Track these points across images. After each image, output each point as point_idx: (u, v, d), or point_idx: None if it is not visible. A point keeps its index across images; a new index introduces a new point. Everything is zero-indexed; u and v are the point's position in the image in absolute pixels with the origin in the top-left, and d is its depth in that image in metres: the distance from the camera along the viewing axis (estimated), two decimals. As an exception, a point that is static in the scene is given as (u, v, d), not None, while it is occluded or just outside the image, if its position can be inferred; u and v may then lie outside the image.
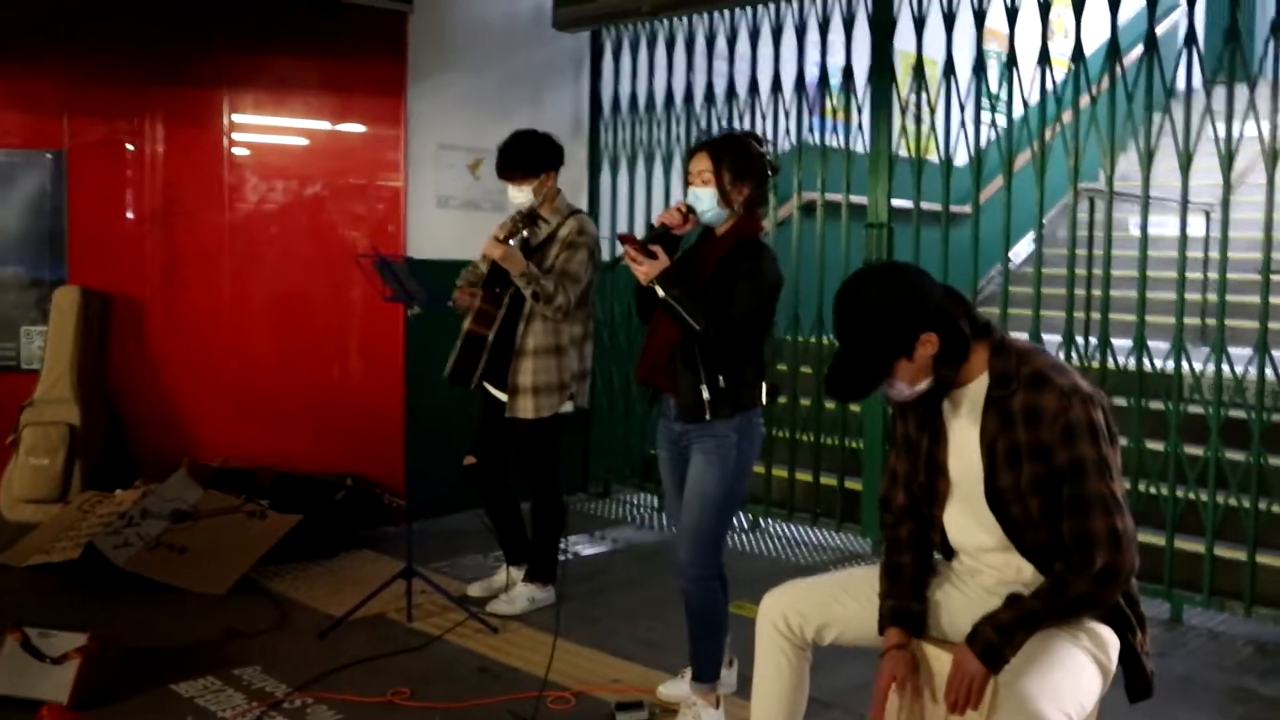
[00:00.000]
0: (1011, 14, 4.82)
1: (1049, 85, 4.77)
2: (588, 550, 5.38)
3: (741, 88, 5.80)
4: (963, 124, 5.00)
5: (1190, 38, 4.41)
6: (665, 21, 6.06)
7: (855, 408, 5.43)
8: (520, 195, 4.20)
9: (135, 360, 5.79)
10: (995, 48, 5.85)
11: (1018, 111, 4.86)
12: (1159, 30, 4.62)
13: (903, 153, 5.19)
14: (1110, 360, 4.61)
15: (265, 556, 4.70)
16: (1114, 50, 4.59)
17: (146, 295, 5.79)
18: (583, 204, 6.20)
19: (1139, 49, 4.58)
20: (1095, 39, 4.86)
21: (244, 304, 5.78)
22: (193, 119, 5.73)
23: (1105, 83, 4.61)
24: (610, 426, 6.34)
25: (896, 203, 5.19)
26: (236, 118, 5.73)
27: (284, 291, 5.79)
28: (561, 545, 4.49)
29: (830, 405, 5.52)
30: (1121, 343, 4.64)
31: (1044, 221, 4.94)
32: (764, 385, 3.30)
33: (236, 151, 5.74)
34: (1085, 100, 4.66)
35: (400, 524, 5.00)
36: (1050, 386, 2.27)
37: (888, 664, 2.39)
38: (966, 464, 2.40)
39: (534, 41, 6.13)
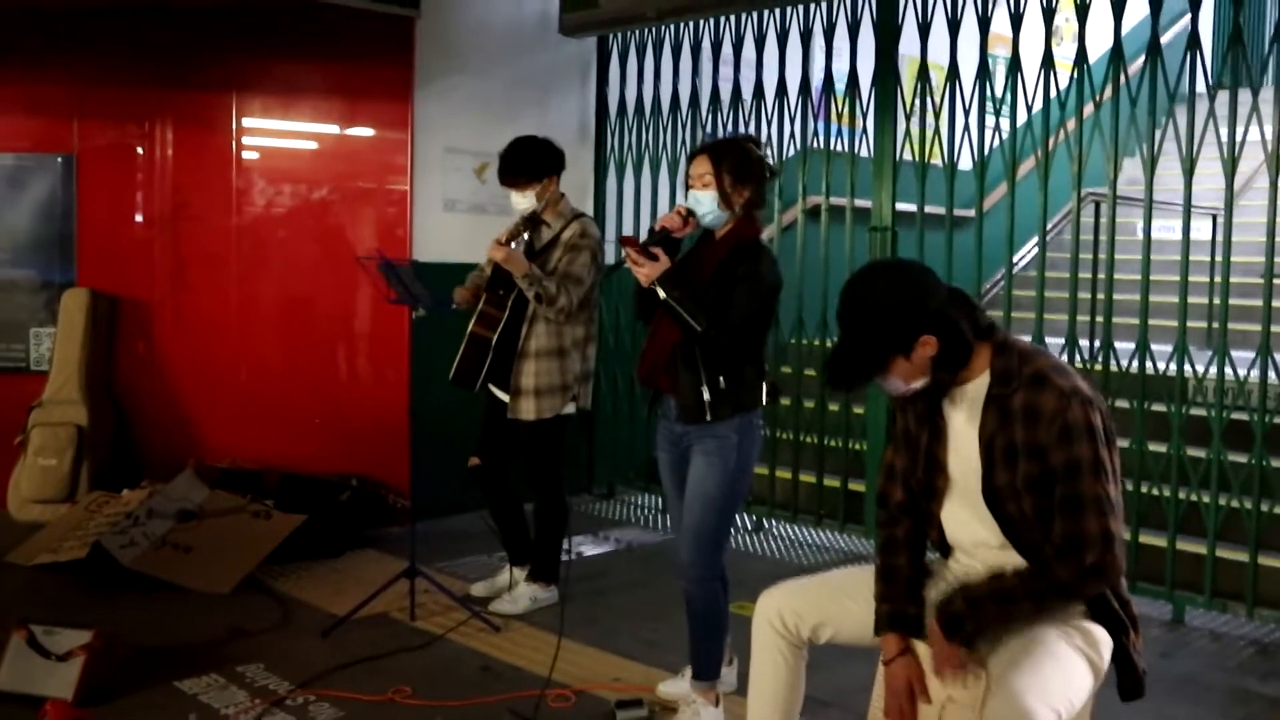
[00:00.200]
0: (1016, 19, 4.83)
1: (1053, 90, 4.77)
2: (591, 551, 5.40)
3: (747, 92, 5.82)
4: (967, 128, 5.01)
5: (1194, 42, 4.42)
6: (671, 26, 6.08)
7: (859, 409, 5.44)
8: (523, 201, 4.22)
9: (143, 362, 5.83)
10: (1000, 52, 5.86)
11: (1022, 116, 4.87)
12: (1164, 37, 4.62)
13: (907, 157, 5.20)
14: (1113, 363, 4.61)
15: (270, 556, 4.73)
16: (1118, 55, 4.61)
17: (155, 298, 5.83)
18: (588, 208, 6.23)
19: (1143, 54, 4.59)
20: (1100, 44, 4.87)
21: (251, 307, 5.81)
22: (201, 123, 5.78)
23: (1109, 87, 4.63)
24: (614, 428, 6.36)
25: (901, 206, 5.20)
26: (245, 122, 5.77)
27: (291, 294, 5.83)
28: (564, 546, 4.50)
29: (834, 407, 5.54)
30: (1124, 346, 4.64)
31: (1048, 226, 4.94)
32: (765, 386, 3.32)
33: (245, 155, 5.78)
34: (1089, 106, 4.68)
35: (404, 524, 5.02)
36: (1050, 387, 2.28)
37: (901, 670, 2.39)
38: (965, 461, 2.41)
39: (540, 46, 6.16)
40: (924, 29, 5.06)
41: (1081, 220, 4.88)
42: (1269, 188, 4.20)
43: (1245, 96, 4.29)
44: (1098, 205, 5.74)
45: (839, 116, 5.51)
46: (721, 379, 3.20)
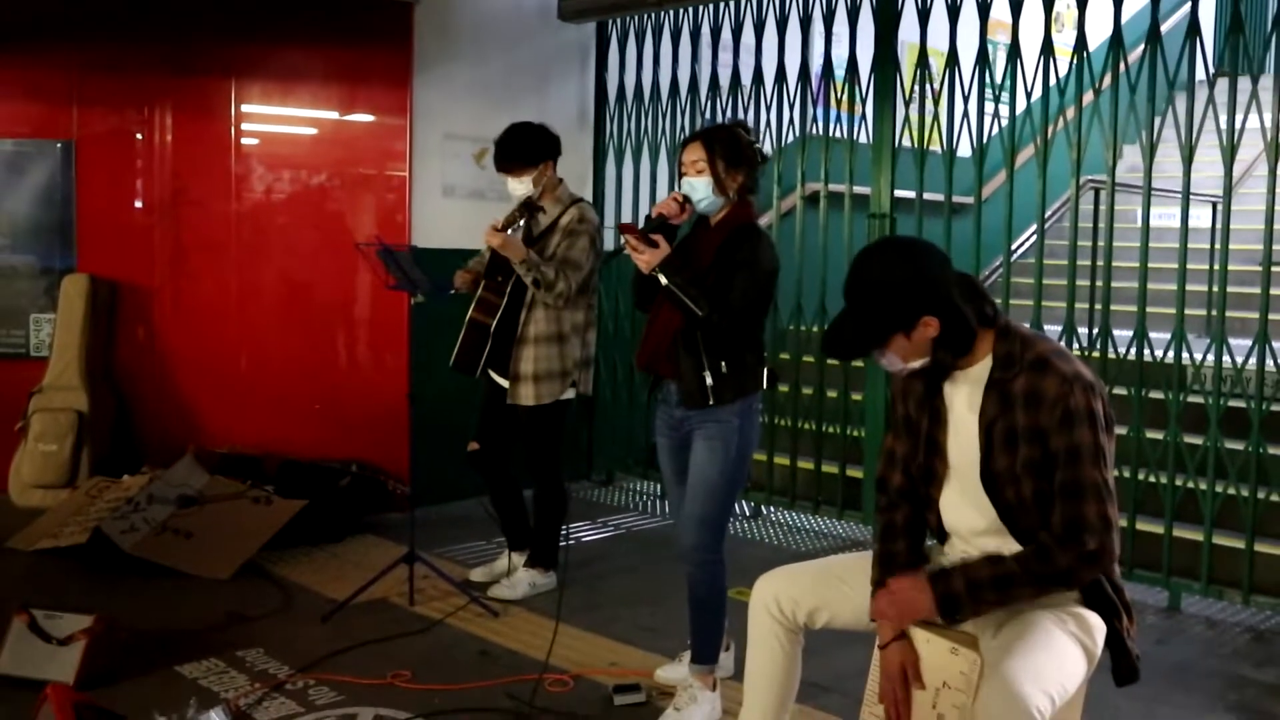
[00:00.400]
0: (1016, 5, 4.82)
1: (1053, 77, 4.77)
2: (589, 536, 5.42)
3: (746, 78, 5.81)
4: (966, 115, 5.01)
5: (1194, 29, 4.41)
6: (670, 12, 6.07)
7: (857, 396, 5.45)
8: (520, 187, 4.22)
9: (143, 348, 5.84)
10: (1000, 39, 5.86)
11: (1021, 103, 4.87)
12: (1164, 24, 4.62)
13: (906, 143, 5.20)
14: (1111, 350, 4.62)
15: (270, 541, 4.75)
16: (1118, 42, 4.60)
17: (154, 284, 5.84)
18: (587, 194, 6.23)
19: (1143, 41, 4.58)
20: (1100, 31, 4.86)
21: (251, 292, 5.82)
22: (201, 109, 5.77)
23: (1109, 75, 4.63)
24: (614, 415, 6.37)
25: (899, 193, 5.20)
26: (244, 108, 5.77)
27: (290, 280, 5.83)
28: (563, 531, 4.52)
29: (832, 394, 5.55)
30: (1123, 333, 4.65)
31: (1047, 213, 4.94)
32: (765, 370, 3.35)
33: (244, 141, 5.78)
34: (1089, 93, 4.67)
35: (403, 510, 5.04)
36: (1053, 371, 2.29)
37: (896, 654, 2.40)
38: (965, 445, 2.42)
39: (539, 32, 6.15)
40: (923, 15, 5.05)
41: (1080, 207, 4.88)
42: (1268, 175, 4.20)
43: (1245, 84, 4.29)
44: (1097, 192, 5.73)
45: (838, 103, 5.50)
46: (723, 363, 3.22)
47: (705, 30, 6.01)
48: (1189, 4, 4.42)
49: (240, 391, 5.81)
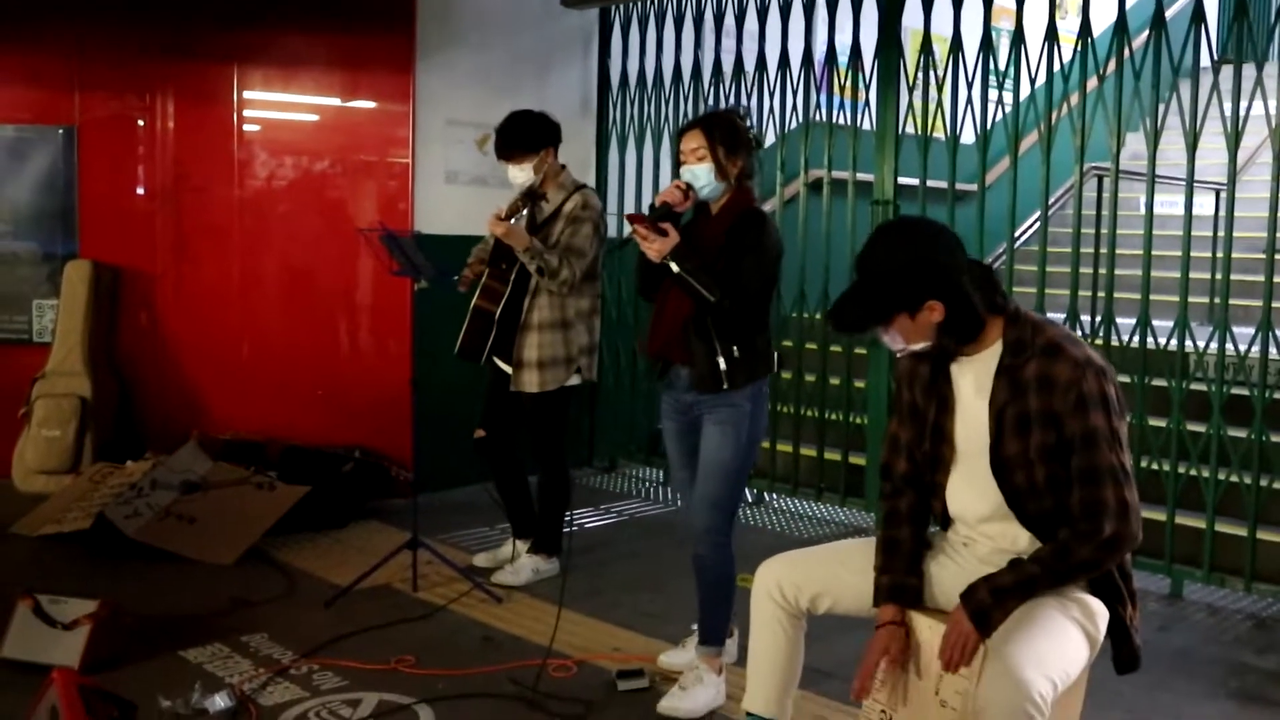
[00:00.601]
0: (1019, -9, 4.81)
1: (1057, 63, 4.76)
2: (592, 523, 5.43)
3: (750, 64, 5.80)
4: (970, 101, 5.00)
5: (1198, 16, 4.40)
6: (674, -2, 6.06)
7: (859, 383, 5.45)
8: (520, 174, 4.22)
9: (146, 334, 5.85)
10: (1004, 25, 5.84)
11: (1025, 89, 4.85)
12: (1169, 10, 4.60)
13: (910, 130, 5.19)
14: (1114, 337, 4.62)
15: (273, 527, 4.76)
16: (1122, 28, 4.59)
17: (157, 270, 5.84)
18: (590, 181, 6.22)
19: (1148, 27, 4.57)
20: (1104, 17, 4.84)
21: (253, 278, 5.82)
22: (203, 95, 5.77)
23: (1113, 61, 4.61)
24: (616, 402, 6.37)
25: (903, 180, 5.19)
26: (246, 94, 5.76)
27: (293, 266, 5.83)
28: (567, 518, 4.53)
29: (835, 381, 5.55)
30: (1125, 321, 4.65)
31: (1050, 200, 4.93)
32: (775, 353, 3.39)
33: (246, 128, 5.77)
34: (1093, 80, 4.66)
35: (407, 496, 5.05)
36: (1065, 356, 2.29)
37: (882, 639, 2.42)
38: (973, 431, 2.42)
39: (542, 18, 6.14)
40: (927, 1, 5.04)
41: (1084, 195, 4.87)
42: (1273, 162, 4.19)
43: (1250, 71, 4.28)
44: (1100, 180, 5.72)
45: (841, 89, 5.49)
46: (735, 348, 3.25)
47: (709, 16, 5.99)
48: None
49: (243, 377, 5.81)
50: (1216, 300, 4.69)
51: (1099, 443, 2.26)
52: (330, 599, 4.12)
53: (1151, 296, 4.57)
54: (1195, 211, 4.51)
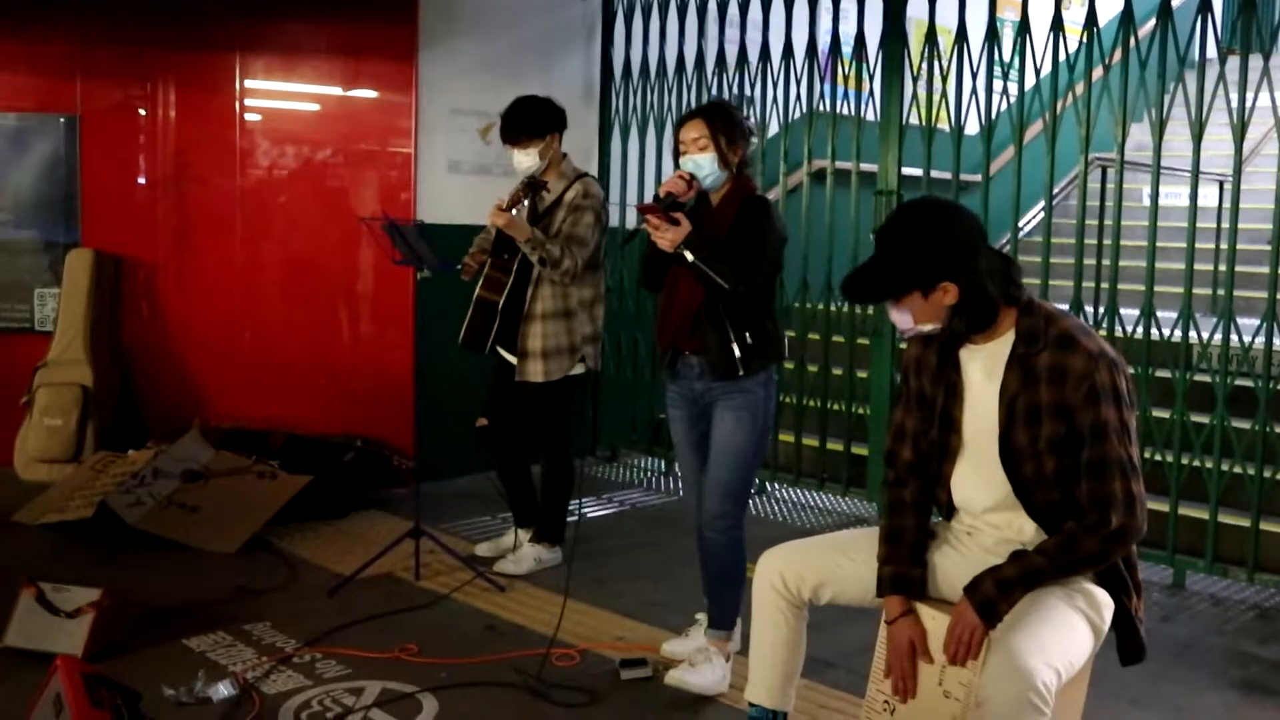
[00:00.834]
0: (1025, -19, 4.79)
1: (1062, 53, 4.74)
2: (595, 512, 5.42)
3: (754, 54, 5.78)
4: (974, 92, 4.98)
5: (1205, 6, 4.38)
6: (677, -13, 6.04)
7: (862, 374, 5.45)
8: (527, 159, 4.20)
9: (147, 322, 5.84)
10: (1009, 15, 5.82)
11: (1030, 79, 4.84)
12: (1175, 0, 4.58)
13: (914, 121, 5.17)
14: (1118, 328, 4.61)
15: (276, 516, 4.76)
16: (1128, 18, 4.57)
17: (159, 259, 5.83)
18: (593, 170, 6.20)
19: (1154, 17, 4.55)
20: (1110, 7, 4.83)
21: (255, 268, 5.81)
22: (205, 84, 5.75)
23: (1118, 51, 4.60)
24: (619, 391, 6.36)
25: (906, 171, 5.18)
26: (248, 83, 5.75)
27: (295, 255, 5.83)
28: (573, 506, 4.54)
29: (837, 371, 5.54)
30: (1129, 312, 4.64)
31: (1054, 191, 4.92)
32: (784, 338, 3.44)
33: (248, 117, 5.76)
34: (1098, 70, 4.65)
35: (409, 485, 5.06)
36: (1078, 348, 2.29)
37: (905, 630, 2.40)
38: (982, 420, 2.41)
39: (545, 6, 6.12)
40: (932, -9, 5.02)
41: (1088, 186, 4.86)
42: (1278, 154, 4.18)
43: (1256, 61, 4.26)
44: (1104, 170, 5.70)
45: (845, 79, 5.47)
46: (748, 334, 3.28)
47: (712, 5, 5.96)
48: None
49: (245, 367, 5.81)
50: (1220, 291, 4.67)
51: (1109, 435, 2.25)
52: (333, 588, 4.12)
53: (1155, 287, 4.55)
54: (1200, 203, 4.49)
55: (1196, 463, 4.42)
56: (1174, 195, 6.19)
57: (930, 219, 2.35)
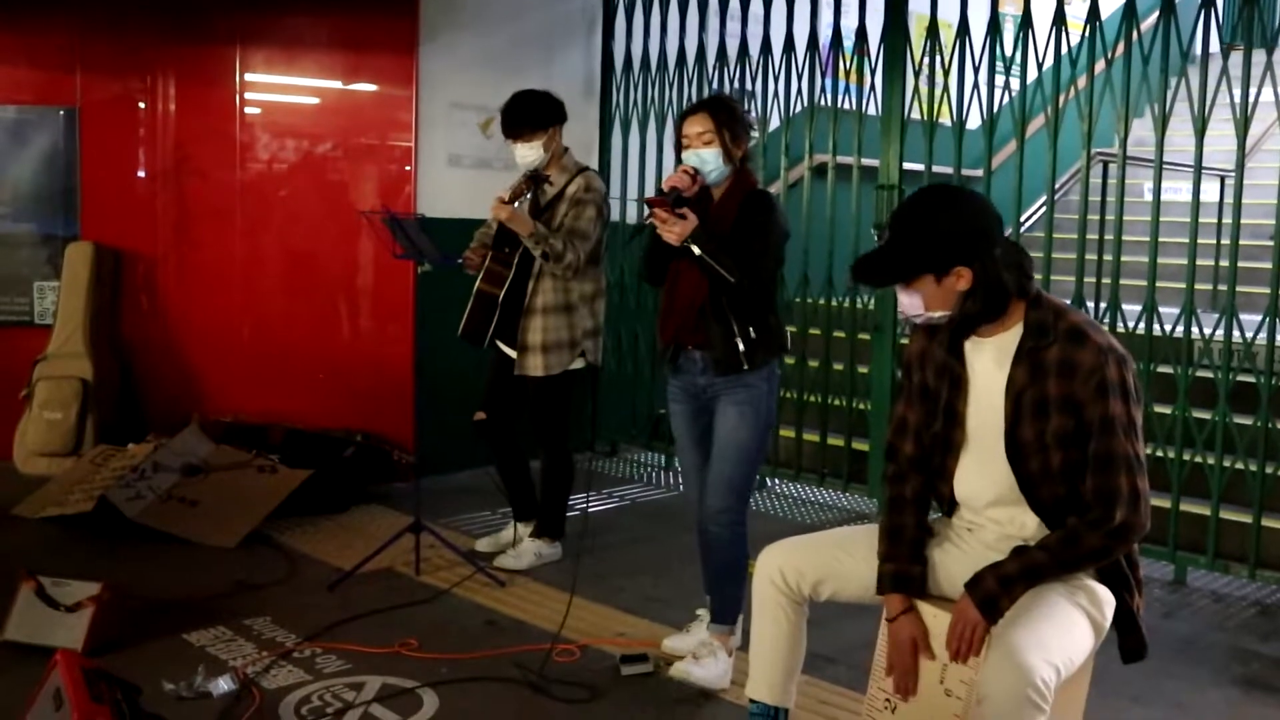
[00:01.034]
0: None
1: (1064, 48, 4.73)
2: (595, 507, 5.42)
3: (754, 48, 5.77)
4: (976, 86, 4.97)
5: (1207, 0, 4.36)
6: (678, -20, 6.02)
7: (863, 369, 5.44)
8: (529, 153, 4.19)
9: (147, 316, 5.84)
10: (1010, 10, 5.80)
11: (1032, 73, 4.83)
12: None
13: (915, 115, 5.16)
14: (1120, 324, 4.61)
15: (276, 511, 4.75)
16: (1130, 12, 4.56)
17: (158, 252, 5.82)
18: (593, 163, 6.19)
19: (1156, 11, 4.54)
20: (1112, 1, 4.82)
21: (255, 261, 5.80)
22: (205, 77, 5.74)
23: (1120, 46, 4.59)
24: (618, 386, 6.35)
25: (908, 165, 5.17)
26: (249, 76, 5.73)
27: (295, 249, 5.82)
28: (573, 501, 4.53)
29: (838, 367, 5.54)
30: (1131, 307, 4.63)
31: (1056, 186, 4.92)
32: (787, 333, 3.44)
33: (248, 110, 5.75)
34: (1100, 64, 4.64)
35: (409, 480, 5.05)
36: (1088, 342, 2.28)
37: (905, 627, 2.39)
38: (987, 414, 2.39)
39: (546, 0, 6.10)
40: (934, -14, 5.01)
41: (1090, 181, 4.85)
42: (1280, 149, 4.17)
43: (1259, 56, 4.25)
44: (1106, 165, 5.69)
45: (847, 74, 5.46)
46: (751, 328, 3.28)
47: (713, -1, 5.96)
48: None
49: (245, 360, 5.80)
50: (1222, 286, 4.66)
51: (1116, 430, 2.24)
52: (333, 582, 4.11)
53: (1157, 283, 4.55)
54: (1202, 198, 4.48)
55: (1198, 459, 4.42)
56: (1176, 190, 6.19)
57: (948, 203, 2.34)
